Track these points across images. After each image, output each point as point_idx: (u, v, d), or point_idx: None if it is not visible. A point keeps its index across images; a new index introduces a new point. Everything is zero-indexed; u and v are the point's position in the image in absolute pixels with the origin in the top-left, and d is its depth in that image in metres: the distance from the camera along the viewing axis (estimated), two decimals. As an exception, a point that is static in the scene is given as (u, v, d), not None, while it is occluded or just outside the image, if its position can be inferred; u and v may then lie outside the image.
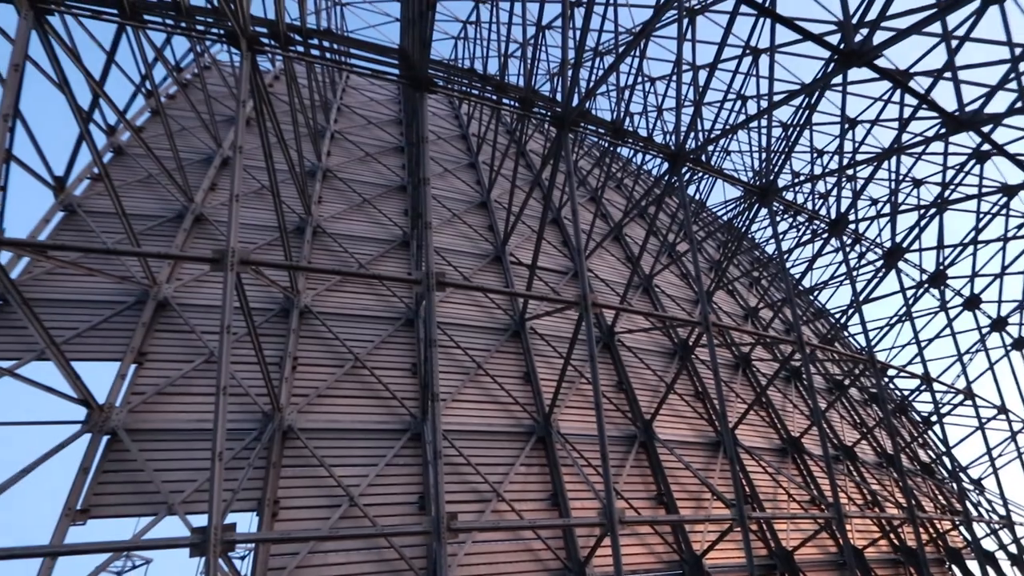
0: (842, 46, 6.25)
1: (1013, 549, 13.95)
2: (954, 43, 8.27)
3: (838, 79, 11.43)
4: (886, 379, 11.48)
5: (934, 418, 15.12)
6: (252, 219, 10.26)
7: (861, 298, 10.98)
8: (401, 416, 8.22)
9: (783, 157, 9.36)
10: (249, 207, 10.43)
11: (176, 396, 7.38)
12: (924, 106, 9.39)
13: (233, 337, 8.02)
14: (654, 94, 16.94)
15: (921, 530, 10.23)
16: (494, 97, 11.64)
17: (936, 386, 13.34)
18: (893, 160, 13.46)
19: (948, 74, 8.09)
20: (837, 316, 16.42)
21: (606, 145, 18.06)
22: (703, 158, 9.72)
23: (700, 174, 13.21)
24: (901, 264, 13.68)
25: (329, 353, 8.62)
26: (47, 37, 6.51)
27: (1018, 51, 7.96)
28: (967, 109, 7.28)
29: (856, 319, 19.46)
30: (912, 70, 10.97)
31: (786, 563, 9.40)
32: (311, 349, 8.56)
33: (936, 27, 8.40)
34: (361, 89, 17.77)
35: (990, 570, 12.67)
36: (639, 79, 14.06)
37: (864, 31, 6.31)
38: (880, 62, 6.44)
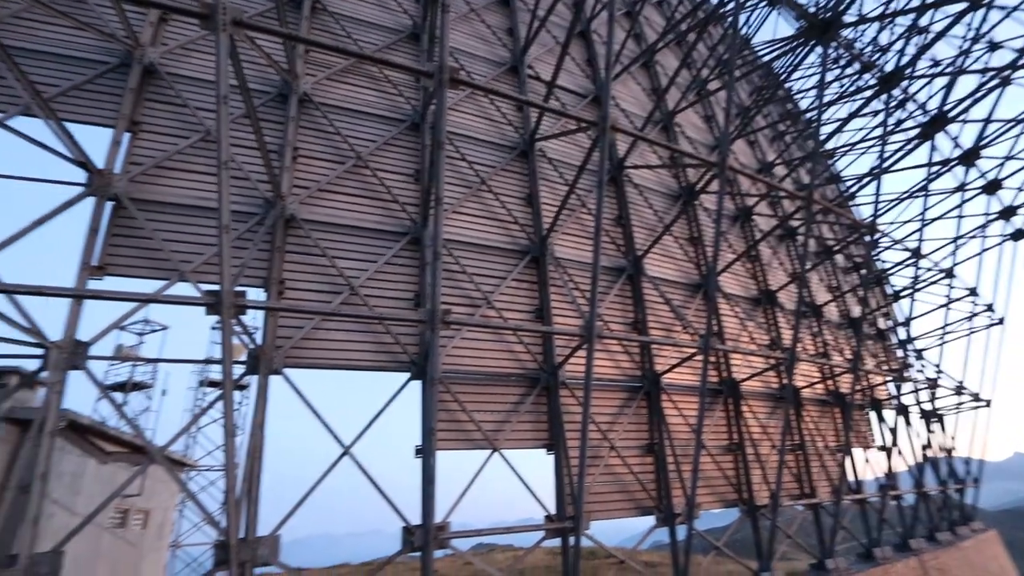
0: None
1: (927, 407, 15.98)
2: None
3: None
4: (877, 250, 11.71)
5: (907, 291, 15.86)
6: (241, -19, 8.95)
7: (880, 165, 10.54)
8: (401, 220, 8.35)
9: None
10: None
11: (174, 171, 7.28)
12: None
13: (230, 116, 7.65)
14: None
15: (856, 382, 11.51)
16: None
17: (922, 263, 13.72)
18: (978, 15, 11.66)
19: None
20: (850, 183, 16.00)
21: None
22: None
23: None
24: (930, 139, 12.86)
25: (329, 147, 8.35)
26: None
27: None
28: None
29: (867, 189, 19.02)
30: None
31: (732, 390, 10.71)
32: (311, 141, 8.25)
33: None
34: None
35: (901, 419, 14.69)
36: None
37: None
38: None
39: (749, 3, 15.97)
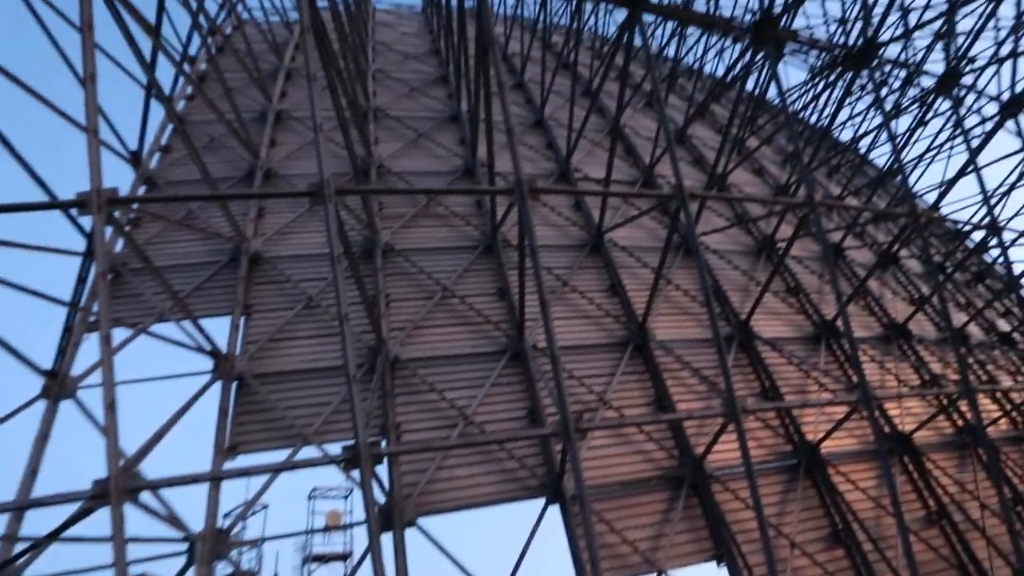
0: None
1: None
2: None
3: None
4: (1003, 249, 10.40)
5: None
6: (313, 168, 10.24)
7: (972, 160, 9.80)
8: (496, 339, 8.30)
9: (883, 11, 8.14)
10: (305, 158, 10.38)
11: (285, 341, 7.73)
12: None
13: (327, 281, 8.25)
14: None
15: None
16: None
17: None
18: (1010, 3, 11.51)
19: None
20: (933, 191, 14.95)
21: (660, 47, 16.57)
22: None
23: (787, 47, 11.68)
24: (1013, 121, 12.03)
25: (416, 287, 8.70)
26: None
27: None
28: None
29: (954, 193, 17.66)
30: None
31: (905, 446, 9.10)
32: (399, 285, 8.67)
33: None
34: (390, 24, 17.01)
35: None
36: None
37: None
38: None
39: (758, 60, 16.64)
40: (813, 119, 15.50)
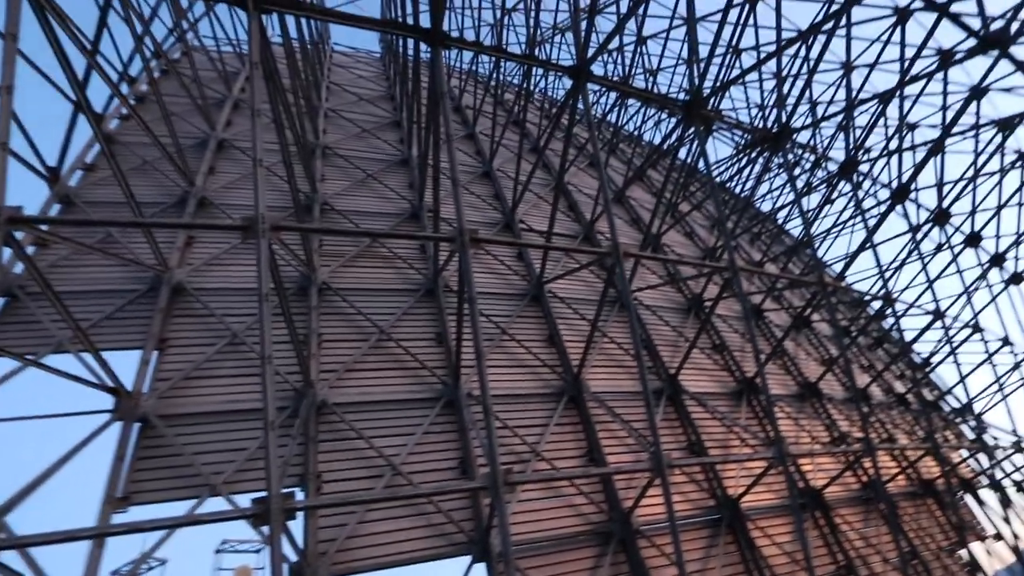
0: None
1: (1018, 476, 14.43)
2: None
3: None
4: (894, 317, 11.65)
5: (938, 356, 15.42)
6: (251, 199, 9.94)
7: (869, 239, 11.05)
8: (431, 385, 8.13)
9: (794, 101, 9.25)
10: (245, 188, 10.09)
11: (201, 380, 7.20)
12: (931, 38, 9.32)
13: (254, 318, 7.84)
14: (648, 54, 16.64)
15: (940, 463, 10.50)
16: (512, 53, 11.29)
17: (939, 323, 13.57)
18: (894, 103, 13.43)
19: None
20: (839, 262, 16.57)
21: (604, 112, 17.80)
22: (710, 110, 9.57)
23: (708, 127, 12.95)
24: (901, 207, 13.76)
25: (351, 327, 8.46)
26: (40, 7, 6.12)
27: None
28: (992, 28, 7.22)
29: (856, 264, 19.62)
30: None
31: (817, 502, 9.59)
32: (333, 325, 8.39)
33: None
34: (347, 67, 17.23)
35: (1000, 495, 13.10)
36: (639, 43, 13.81)
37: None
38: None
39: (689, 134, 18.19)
40: (738, 189, 16.96)
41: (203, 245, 8.59)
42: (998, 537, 12.48)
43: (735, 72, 13.70)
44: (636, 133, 18.46)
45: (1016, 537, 11.59)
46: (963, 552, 10.12)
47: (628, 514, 7.55)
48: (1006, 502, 12.95)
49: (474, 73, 18.00)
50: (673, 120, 13.10)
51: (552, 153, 15.77)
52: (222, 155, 10.71)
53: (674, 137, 12.76)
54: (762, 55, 11.99)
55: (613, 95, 18.23)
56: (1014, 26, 7.97)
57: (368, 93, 15.57)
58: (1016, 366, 14.47)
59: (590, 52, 7.94)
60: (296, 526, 8.47)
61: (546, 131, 10.68)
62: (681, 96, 12.73)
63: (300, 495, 6.48)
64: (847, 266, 14.05)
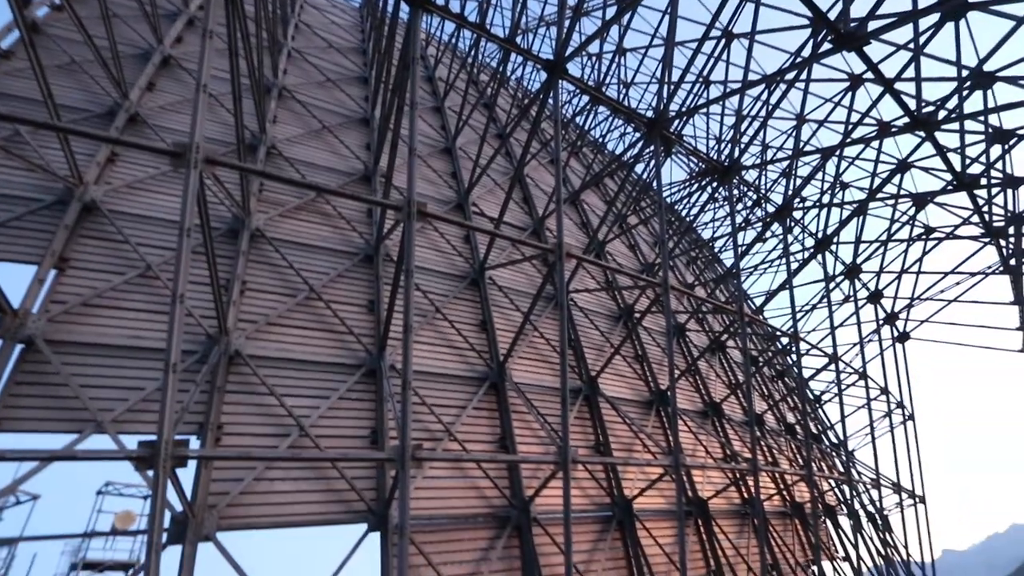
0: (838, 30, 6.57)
1: (870, 508, 16.30)
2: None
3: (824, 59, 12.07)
4: (797, 355, 12.83)
5: (827, 396, 17.06)
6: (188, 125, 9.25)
7: (789, 280, 12.01)
8: (355, 352, 7.99)
9: (748, 141, 9.82)
10: (185, 113, 9.37)
11: (104, 309, 6.68)
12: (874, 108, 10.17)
13: (173, 252, 7.34)
14: (624, 66, 17.01)
15: (812, 489, 11.67)
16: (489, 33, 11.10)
17: (832, 367, 15.01)
18: (832, 161, 14.56)
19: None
20: (760, 296, 17.86)
21: (574, 113, 18.00)
22: (673, 134, 9.96)
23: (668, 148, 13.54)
24: (821, 256, 15.03)
25: (280, 281, 8.13)
26: None
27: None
28: (924, 111, 8.00)
29: (774, 301, 21.19)
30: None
31: (702, 511, 10.37)
32: (261, 275, 8.02)
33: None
34: (321, 8, 16.31)
35: (854, 523, 14.75)
36: (618, 52, 14.03)
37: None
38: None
39: (648, 152, 18.84)
40: (684, 213, 17.79)
41: (127, 166, 7.92)
42: (845, 559, 14.06)
43: (701, 100, 14.30)
44: (600, 141, 18.84)
45: (859, 559, 13.12)
46: (814, 568, 11.32)
47: (528, 502, 7.82)
48: (857, 528, 14.61)
49: (452, 47, 17.62)
50: (636, 135, 13.52)
51: (516, 143, 15.79)
52: (165, 73, 9.86)
53: (634, 151, 13.18)
54: (728, 90, 12.62)
55: (584, 100, 18.50)
56: (941, 113, 8.87)
57: (339, 42, 14.85)
58: (887, 414, 16.27)
59: (569, 50, 8.02)
60: (187, 477, 8.12)
61: (514, 120, 10.71)
62: (648, 113, 13.13)
63: (196, 444, 6.20)
64: (766, 301, 15.19)
